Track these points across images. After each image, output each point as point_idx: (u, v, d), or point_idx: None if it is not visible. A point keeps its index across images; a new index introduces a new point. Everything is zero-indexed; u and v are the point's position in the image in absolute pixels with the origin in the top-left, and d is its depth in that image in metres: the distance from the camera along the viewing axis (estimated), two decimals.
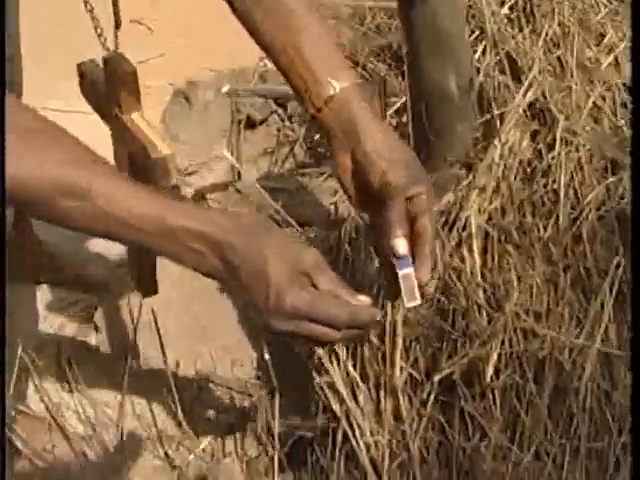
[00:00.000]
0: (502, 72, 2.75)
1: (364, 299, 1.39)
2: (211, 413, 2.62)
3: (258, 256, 1.32)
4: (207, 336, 2.75)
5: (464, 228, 2.23)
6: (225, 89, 3.09)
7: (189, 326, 2.75)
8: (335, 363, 2.20)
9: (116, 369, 2.66)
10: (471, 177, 2.33)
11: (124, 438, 2.57)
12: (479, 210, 2.22)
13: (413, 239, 1.45)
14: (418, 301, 1.45)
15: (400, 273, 1.44)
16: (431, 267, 1.45)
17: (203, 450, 2.57)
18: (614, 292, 2.11)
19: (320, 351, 2.24)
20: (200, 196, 3.06)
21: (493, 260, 2.19)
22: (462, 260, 2.21)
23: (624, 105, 2.58)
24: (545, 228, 2.23)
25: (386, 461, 2.10)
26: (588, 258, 2.09)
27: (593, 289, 2.13)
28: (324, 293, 1.37)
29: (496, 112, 2.52)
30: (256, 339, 2.72)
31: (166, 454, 2.56)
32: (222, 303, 2.75)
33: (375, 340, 2.19)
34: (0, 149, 1.13)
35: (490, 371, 2.05)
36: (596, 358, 1.99)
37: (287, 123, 3.33)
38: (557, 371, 2.04)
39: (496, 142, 2.36)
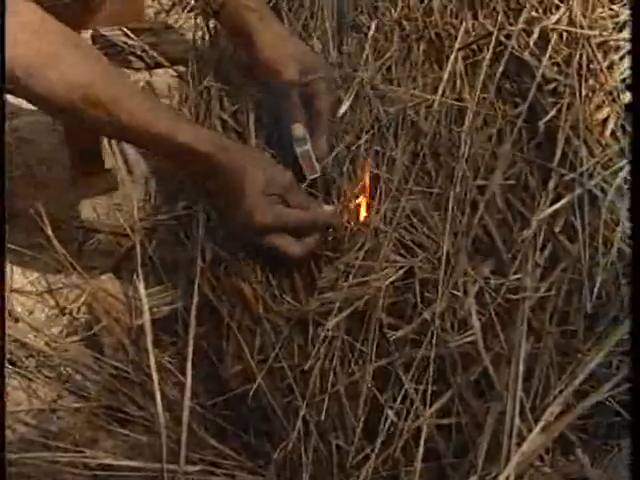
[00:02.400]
0: None
1: (329, 208, 1.78)
2: None
3: (240, 169, 1.63)
4: None
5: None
6: None
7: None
8: None
9: None
10: None
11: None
12: None
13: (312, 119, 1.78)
14: (318, 173, 1.77)
15: (299, 151, 1.74)
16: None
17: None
18: None
19: None
20: None
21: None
22: None
23: None
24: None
25: None
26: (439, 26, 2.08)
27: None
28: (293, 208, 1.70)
29: None
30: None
31: (57, 303, 2.52)
32: None
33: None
34: (0, 153, 1.17)
35: None
36: None
37: None
38: None
39: None
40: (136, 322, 2.23)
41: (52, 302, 2.55)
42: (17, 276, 2.56)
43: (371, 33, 2.13)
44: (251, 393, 1.91)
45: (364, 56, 2.10)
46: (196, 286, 1.96)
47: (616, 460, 1.73)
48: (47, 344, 2.38)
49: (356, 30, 2.20)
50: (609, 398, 1.80)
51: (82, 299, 2.53)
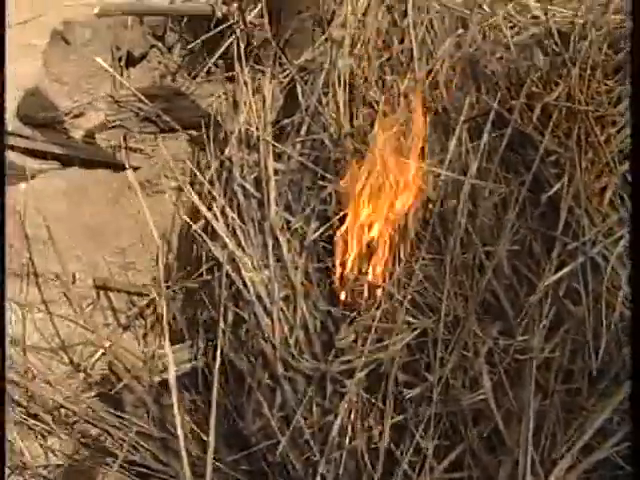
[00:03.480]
0: None
1: None
2: None
3: None
4: (101, 243, 2.78)
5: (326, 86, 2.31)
6: (96, 10, 3.04)
7: (81, 236, 2.76)
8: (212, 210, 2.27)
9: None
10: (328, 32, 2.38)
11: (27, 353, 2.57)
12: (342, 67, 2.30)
13: None
14: None
15: None
16: None
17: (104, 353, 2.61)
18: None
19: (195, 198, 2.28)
20: (91, 136, 3.07)
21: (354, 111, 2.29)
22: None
23: None
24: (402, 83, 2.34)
25: (274, 294, 2.13)
26: (445, 99, 2.20)
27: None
28: None
29: None
30: (148, 242, 2.77)
31: (71, 361, 2.60)
32: (113, 210, 2.78)
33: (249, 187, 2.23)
34: (0, 151, 1.15)
35: None
36: None
37: (167, 55, 3.34)
38: None
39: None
40: (156, 379, 2.33)
41: (66, 359, 2.64)
42: (32, 332, 2.64)
43: (381, 107, 2.26)
44: (278, 452, 2.00)
45: (375, 128, 2.22)
46: (219, 346, 2.05)
47: None
48: (66, 399, 2.46)
49: (366, 104, 2.33)
50: (612, 453, 1.92)
51: (96, 356, 2.63)
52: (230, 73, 2.70)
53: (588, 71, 2.19)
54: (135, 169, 2.97)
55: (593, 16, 2.34)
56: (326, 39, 2.31)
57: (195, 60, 3.35)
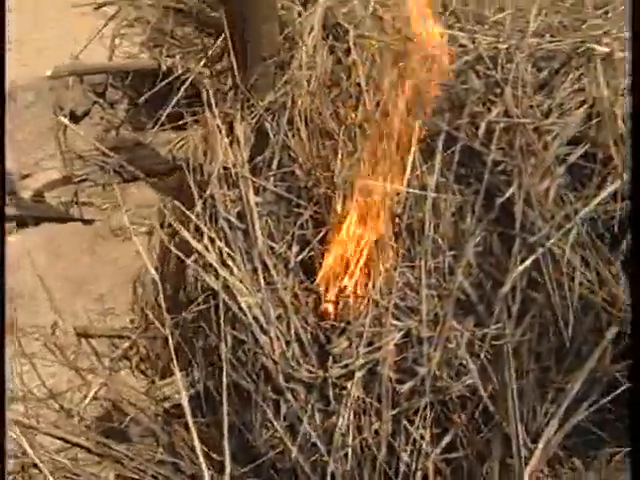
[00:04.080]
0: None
1: None
2: None
3: None
4: (80, 291, 2.92)
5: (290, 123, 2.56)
6: (49, 72, 3.20)
7: (60, 284, 2.91)
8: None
9: None
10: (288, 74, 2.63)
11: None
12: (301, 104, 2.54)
13: None
14: None
15: None
16: None
17: (95, 397, 2.74)
18: None
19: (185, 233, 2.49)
20: (40, 195, 3.21)
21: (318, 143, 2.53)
22: None
23: None
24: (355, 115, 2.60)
25: (269, 314, 2.30)
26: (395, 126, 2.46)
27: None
28: None
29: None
30: (125, 286, 2.94)
31: (61, 407, 2.72)
32: (90, 258, 2.94)
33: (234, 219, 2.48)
34: (0, 152, 1.26)
35: None
36: None
37: (110, 110, 3.52)
38: None
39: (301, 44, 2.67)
40: (158, 408, 2.49)
41: (57, 406, 2.76)
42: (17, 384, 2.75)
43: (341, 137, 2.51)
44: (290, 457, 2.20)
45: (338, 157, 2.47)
46: (225, 369, 2.24)
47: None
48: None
49: (324, 136, 2.58)
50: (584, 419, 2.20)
51: (87, 400, 2.76)
52: (188, 119, 2.92)
53: (519, 89, 2.49)
54: (89, 222, 3.14)
55: (515, 41, 2.65)
56: (286, 81, 2.56)
57: (139, 113, 3.54)
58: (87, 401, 2.72)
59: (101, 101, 3.58)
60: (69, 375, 2.79)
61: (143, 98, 3.27)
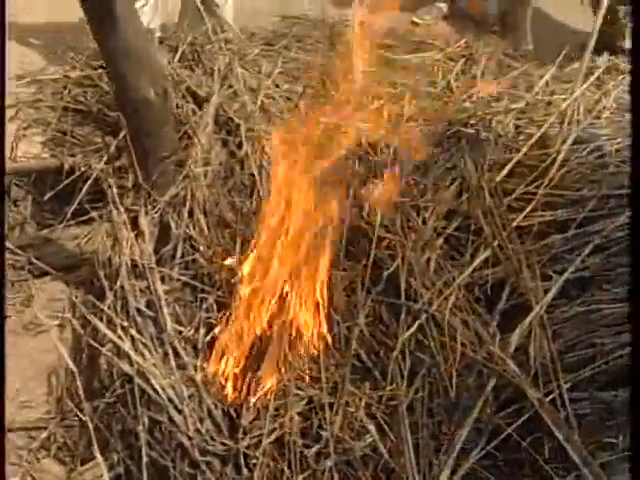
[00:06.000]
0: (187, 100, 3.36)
1: None
2: None
3: None
4: None
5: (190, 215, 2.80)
6: None
7: None
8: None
9: None
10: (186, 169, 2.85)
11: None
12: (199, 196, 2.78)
13: None
14: None
15: None
16: None
17: None
18: None
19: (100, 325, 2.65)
20: None
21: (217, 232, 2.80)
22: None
23: None
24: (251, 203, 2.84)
25: (183, 395, 2.45)
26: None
27: None
28: None
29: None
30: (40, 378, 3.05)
31: None
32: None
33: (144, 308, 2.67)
34: (0, 153, 1.35)
35: None
36: None
37: (13, 207, 3.65)
38: None
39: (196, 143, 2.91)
40: None
41: None
42: None
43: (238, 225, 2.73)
44: None
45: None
46: (143, 449, 2.39)
47: None
48: None
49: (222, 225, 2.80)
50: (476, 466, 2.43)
51: None
52: (93, 215, 3.09)
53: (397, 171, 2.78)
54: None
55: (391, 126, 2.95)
56: (185, 176, 2.78)
57: (41, 209, 3.68)
58: None
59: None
60: None
61: (47, 196, 3.42)
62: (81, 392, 2.39)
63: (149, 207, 2.75)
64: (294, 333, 2.47)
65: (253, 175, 2.86)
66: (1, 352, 2.21)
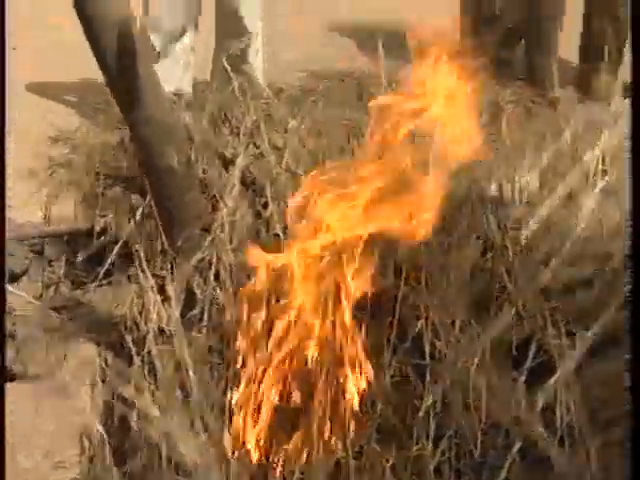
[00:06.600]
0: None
1: None
2: None
3: None
4: (27, 445, 3.06)
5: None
6: None
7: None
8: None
9: None
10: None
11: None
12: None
13: None
14: None
15: None
16: None
17: None
18: None
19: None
20: None
21: None
22: None
23: None
24: None
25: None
26: None
27: None
28: None
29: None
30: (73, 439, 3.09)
31: None
32: (35, 412, 3.09)
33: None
34: (0, 153, 1.34)
35: None
36: None
37: (47, 267, 3.72)
38: None
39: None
40: None
41: None
42: None
43: None
44: None
45: None
46: None
47: None
48: None
49: None
50: None
51: None
52: (122, 278, 3.15)
53: None
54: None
55: None
56: (211, 240, 2.83)
57: (75, 268, 3.74)
58: None
59: (39, 259, 3.78)
60: None
61: (79, 257, 3.49)
62: (108, 456, 2.42)
63: (175, 272, 2.80)
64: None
65: (278, 235, 2.90)
66: (1, 357, 2.16)
